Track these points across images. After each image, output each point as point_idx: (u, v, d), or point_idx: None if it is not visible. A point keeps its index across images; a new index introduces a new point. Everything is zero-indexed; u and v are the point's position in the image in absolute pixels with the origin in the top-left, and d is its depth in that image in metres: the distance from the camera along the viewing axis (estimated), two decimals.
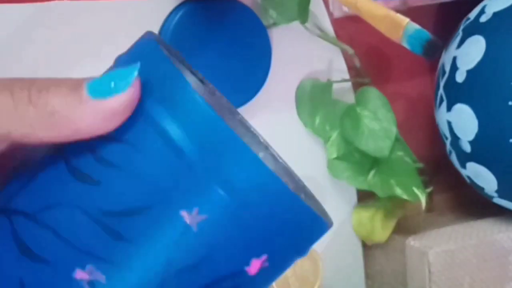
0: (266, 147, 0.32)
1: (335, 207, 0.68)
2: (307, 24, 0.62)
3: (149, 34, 0.28)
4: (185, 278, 0.24)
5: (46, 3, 0.55)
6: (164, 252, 0.24)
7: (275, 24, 0.62)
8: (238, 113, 0.32)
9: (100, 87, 0.25)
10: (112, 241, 0.24)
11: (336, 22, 0.65)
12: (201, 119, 0.24)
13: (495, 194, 0.61)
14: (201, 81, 0.31)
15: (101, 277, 0.24)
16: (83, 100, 0.24)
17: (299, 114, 0.65)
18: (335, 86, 0.64)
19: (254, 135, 0.31)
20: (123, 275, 0.24)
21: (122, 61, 0.28)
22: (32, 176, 0.26)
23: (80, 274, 0.24)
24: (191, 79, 0.29)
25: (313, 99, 0.64)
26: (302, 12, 0.60)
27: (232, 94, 0.61)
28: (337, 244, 0.68)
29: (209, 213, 0.24)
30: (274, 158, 0.31)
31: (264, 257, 0.25)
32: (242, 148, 0.24)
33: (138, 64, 0.25)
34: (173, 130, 0.24)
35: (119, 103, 0.24)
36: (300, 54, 0.65)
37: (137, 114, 0.25)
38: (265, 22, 0.61)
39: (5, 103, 0.25)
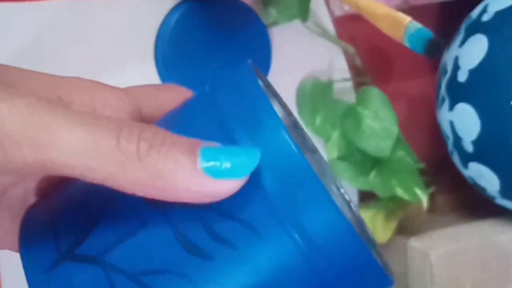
0: (342, 193, 0.32)
1: None
2: (307, 23, 0.61)
3: (250, 68, 0.27)
4: None
5: (45, 2, 0.55)
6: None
7: (275, 23, 0.62)
8: (318, 151, 0.31)
9: (216, 165, 0.23)
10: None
11: (337, 21, 0.65)
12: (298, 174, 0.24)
13: (498, 195, 0.61)
14: (287, 113, 0.30)
15: None
16: (195, 172, 0.23)
17: (299, 113, 0.65)
18: (336, 85, 0.64)
19: (331, 177, 0.31)
20: None
21: (220, 92, 0.27)
22: (131, 232, 0.24)
23: None
24: (280, 113, 0.29)
25: (313, 98, 0.64)
26: (303, 11, 0.60)
27: None
28: None
29: (282, 253, 0.24)
30: (349, 205, 0.32)
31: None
32: (326, 195, 0.23)
33: (260, 151, 0.23)
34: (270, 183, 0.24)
35: (232, 188, 0.23)
36: (301, 53, 0.65)
37: (249, 188, 0.24)
38: (265, 21, 0.61)
39: (110, 151, 0.23)
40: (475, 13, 0.61)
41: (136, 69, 0.59)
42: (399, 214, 0.66)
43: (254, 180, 0.23)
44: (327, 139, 0.65)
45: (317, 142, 0.66)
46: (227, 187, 0.23)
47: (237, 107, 0.25)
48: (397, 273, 0.65)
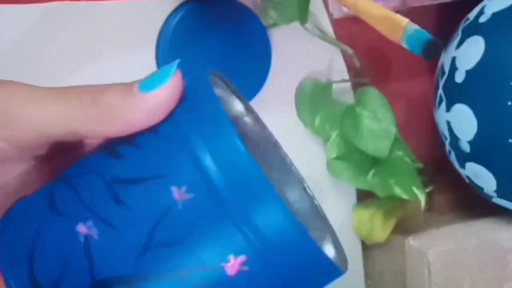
0: (304, 187, 0.34)
1: (335, 207, 0.68)
2: (307, 25, 0.62)
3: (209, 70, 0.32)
4: (163, 253, 0.27)
5: (46, 4, 0.55)
6: (151, 222, 0.27)
7: (275, 24, 0.62)
8: (281, 147, 0.35)
9: (147, 84, 0.29)
10: (113, 204, 0.28)
11: (336, 23, 0.66)
12: (235, 156, 0.27)
13: (494, 194, 0.61)
14: (247, 110, 0.34)
15: (95, 233, 0.28)
16: (133, 94, 0.29)
17: (299, 114, 0.65)
18: (334, 86, 0.64)
19: (292, 172, 0.34)
20: (112, 234, 0.27)
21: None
22: (82, 158, 0.31)
23: (81, 228, 0.28)
24: (236, 107, 0.34)
25: (313, 99, 0.64)
26: (302, 13, 0.60)
27: None
28: None
29: (194, 195, 0.27)
30: (310, 198, 0.34)
31: (242, 257, 0.27)
32: (270, 192, 0.26)
33: (178, 60, 0.30)
34: (206, 158, 0.27)
35: (161, 96, 0.29)
36: (300, 55, 0.65)
37: (171, 124, 0.29)
38: (265, 23, 0.62)
39: (75, 104, 0.30)
40: (472, 14, 0.61)
41: (138, 71, 0.59)
42: (397, 213, 0.66)
43: (206, 179, 0.27)
44: (326, 139, 0.65)
45: (316, 142, 0.66)
46: (157, 95, 0.29)
47: (193, 105, 0.29)
48: (395, 272, 0.66)
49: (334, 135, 0.65)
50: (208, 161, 0.27)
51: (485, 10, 0.59)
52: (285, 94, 0.65)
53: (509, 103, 0.56)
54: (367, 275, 0.70)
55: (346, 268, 0.31)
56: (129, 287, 0.27)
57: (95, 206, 0.28)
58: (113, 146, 0.29)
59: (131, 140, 0.29)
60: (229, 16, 0.60)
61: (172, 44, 0.58)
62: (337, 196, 0.68)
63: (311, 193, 0.34)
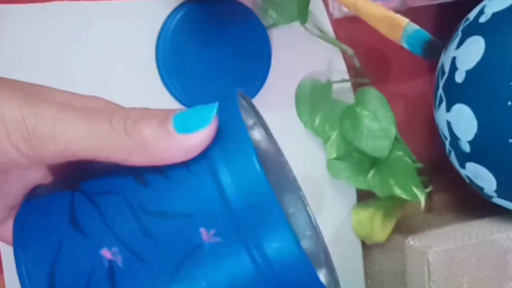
0: (314, 227, 0.36)
1: (335, 207, 0.68)
2: (307, 25, 0.62)
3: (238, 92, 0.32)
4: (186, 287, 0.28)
5: (46, 3, 0.55)
6: (177, 258, 0.28)
7: (275, 24, 0.62)
8: (297, 183, 0.36)
9: (184, 123, 0.29)
10: (141, 235, 0.28)
11: (336, 23, 0.66)
12: (255, 182, 0.28)
13: (494, 194, 0.61)
14: (269, 135, 0.36)
15: (119, 260, 0.28)
16: (170, 134, 0.29)
17: (299, 114, 0.65)
18: (334, 86, 0.64)
19: (307, 212, 0.36)
20: (137, 265, 0.28)
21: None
22: (103, 167, 0.31)
23: (105, 253, 0.28)
24: (258, 135, 0.35)
25: (313, 99, 0.64)
26: (302, 13, 0.61)
27: (232, 94, 0.61)
28: (337, 244, 0.68)
29: (234, 260, 0.28)
30: (318, 238, 0.36)
31: None
32: (283, 224, 0.27)
33: (217, 104, 0.29)
34: (226, 179, 0.28)
35: (200, 139, 0.28)
36: (300, 55, 0.65)
37: (204, 162, 0.29)
38: (265, 23, 0.62)
39: (106, 134, 0.29)
40: (472, 14, 0.61)
41: (138, 71, 0.59)
42: (397, 213, 0.66)
43: (224, 197, 0.28)
44: (326, 139, 0.65)
45: (316, 142, 0.66)
46: (196, 138, 0.28)
47: (224, 148, 0.29)
48: (395, 272, 0.66)
49: (334, 135, 0.65)
50: (238, 206, 0.28)
51: (485, 10, 0.59)
52: (285, 94, 0.65)
53: (509, 103, 0.56)
54: (367, 275, 0.70)
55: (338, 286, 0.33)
56: None
57: (121, 233, 0.28)
58: (142, 173, 0.29)
59: (161, 170, 0.29)
60: (229, 16, 0.60)
61: (172, 44, 0.58)
62: (337, 196, 0.68)
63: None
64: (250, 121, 0.35)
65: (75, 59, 0.57)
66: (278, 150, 0.36)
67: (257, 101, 0.62)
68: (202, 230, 0.28)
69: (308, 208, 0.36)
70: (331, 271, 0.34)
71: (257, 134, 0.35)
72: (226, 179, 0.28)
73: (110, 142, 0.29)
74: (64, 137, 0.29)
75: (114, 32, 0.58)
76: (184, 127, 0.28)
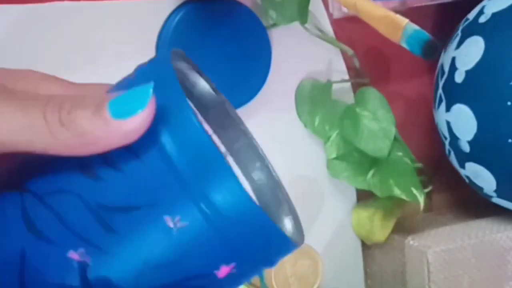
0: (263, 159, 0.36)
1: (335, 207, 0.68)
2: (307, 25, 0.62)
3: (171, 51, 0.31)
4: (159, 273, 0.28)
5: (46, 4, 0.56)
6: (145, 248, 0.27)
7: (275, 24, 0.62)
8: (243, 123, 0.36)
9: (120, 109, 0.27)
10: (104, 231, 0.28)
11: (336, 23, 0.66)
12: (193, 137, 0.27)
13: (494, 194, 0.61)
14: (214, 90, 0.35)
15: (88, 260, 0.28)
16: (107, 121, 0.27)
17: (299, 114, 0.65)
18: (334, 86, 0.65)
19: (254, 147, 0.36)
20: (107, 261, 0.28)
21: (141, 73, 0.31)
22: (46, 162, 0.29)
23: (72, 255, 0.28)
24: (201, 86, 0.34)
25: (312, 99, 0.65)
26: (302, 13, 0.61)
27: (232, 94, 0.61)
28: (337, 243, 0.68)
29: (189, 222, 0.27)
30: (269, 170, 0.36)
31: (232, 264, 0.28)
32: (226, 170, 0.27)
33: (152, 84, 0.27)
34: (169, 144, 0.28)
35: (137, 123, 0.27)
36: (300, 55, 0.65)
37: (151, 147, 0.28)
38: (265, 23, 0.62)
39: (40, 126, 0.28)
40: (472, 14, 0.61)
41: None
42: (397, 213, 0.66)
43: (165, 157, 0.27)
44: (326, 139, 0.65)
45: (316, 142, 0.66)
46: (134, 123, 0.27)
47: (168, 126, 0.28)
48: (395, 272, 0.66)
49: (334, 135, 0.65)
50: (186, 172, 0.27)
51: (485, 10, 0.59)
52: (285, 94, 0.65)
53: (509, 103, 0.56)
54: (367, 275, 0.70)
55: (302, 240, 0.32)
56: None
57: (84, 233, 0.28)
58: (90, 166, 0.28)
59: (109, 161, 0.28)
60: (229, 16, 0.60)
61: (172, 44, 0.58)
62: (337, 196, 0.68)
63: (270, 166, 0.36)
64: (190, 78, 0.35)
65: (75, 59, 0.57)
66: (216, 91, 0.36)
67: (257, 101, 0.62)
68: (167, 218, 0.27)
69: (254, 141, 0.36)
70: (293, 217, 0.35)
71: (199, 86, 0.35)
72: (175, 156, 0.27)
73: (46, 135, 0.28)
74: None
75: (114, 32, 0.58)
76: (120, 112, 0.27)
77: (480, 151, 0.59)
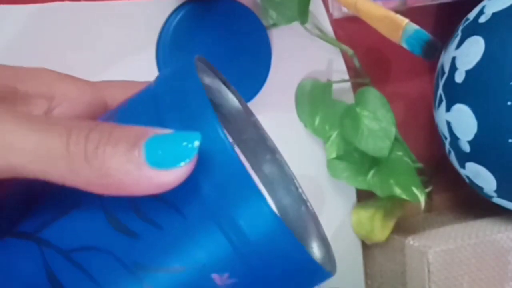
0: (300, 193, 0.33)
1: (335, 207, 0.68)
2: (307, 25, 0.62)
3: (192, 65, 0.28)
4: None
5: (46, 4, 0.56)
6: None
7: (275, 24, 0.62)
8: (278, 151, 0.32)
9: (159, 155, 0.23)
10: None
11: (336, 23, 0.66)
12: (236, 180, 0.24)
13: (494, 194, 0.61)
14: (238, 98, 0.32)
15: None
16: (140, 167, 0.23)
17: (299, 114, 0.65)
18: (334, 86, 0.65)
19: (290, 177, 0.33)
20: None
21: (161, 89, 0.27)
22: (65, 211, 0.26)
23: None
24: (229, 99, 0.31)
25: (312, 99, 0.65)
26: (302, 13, 0.61)
27: None
28: (337, 244, 0.68)
29: (238, 279, 0.25)
30: (305, 202, 0.32)
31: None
32: (256, 194, 0.24)
33: (199, 134, 0.24)
34: (212, 194, 0.24)
35: (176, 176, 0.23)
36: (300, 55, 0.65)
37: (195, 202, 0.25)
38: (265, 23, 0.62)
39: (60, 155, 0.24)
40: (472, 14, 0.61)
41: (138, 71, 0.59)
42: (397, 213, 0.66)
43: (192, 175, 0.24)
44: (326, 139, 0.65)
45: (316, 142, 0.66)
46: (172, 176, 0.23)
47: (176, 103, 0.25)
48: (395, 272, 0.66)
49: (334, 135, 0.65)
50: (246, 248, 0.25)
51: (485, 10, 0.59)
52: (285, 94, 0.65)
53: (509, 103, 0.56)
54: (367, 275, 0.70)
55: (334, 269, 0.29)
56: None
57: None
58: (123, 221, 0.25)
59: (142, 213, 0.25)
60: (229, 16, 0.60)
61: (172, 44, 0.58)
62: (337, 196, 0.68)
63: (301, 190, 0.33)
64: (230, 97, 0.31)
65: (75, 59, 0.57)
66: (238, 96, 0.33)
67: (257, 101, 0.62)
68: (214, 276, 0.25)
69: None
70: (323, 243, 0.31)
71: (225, 98, 0.32)
72: (223, 214, 0.24)
73: (65, 169, 0.24)
74: (7, 150, 0.24)
75: (114, 32, 0.58)
76: (158, 159, 0.23)
77: (480, 151, 0.59)
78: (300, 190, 0.33)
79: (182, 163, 0.23)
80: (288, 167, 0.33)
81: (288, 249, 0.25)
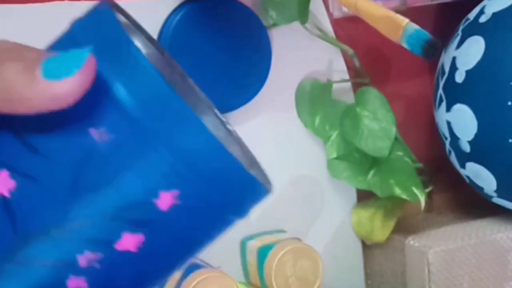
0: (215, 113, 0.33)
1: (335, 207, 0.68)
2: (307, 25, 0.62)
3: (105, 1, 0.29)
4: (90, 199, 0.26)
5: (46, 3, 0.56)
6: (73, 168, 0.26)
7: (275, 24, 0.62)
8: (188, 78, 0.33)
9: (54, 68, 0.25)
10: (28, 153, 0.26)
11: (336, 23, 0.66)
12: (148, 82, 0.26)
13: (494, 194, 0.61)
14: (153, 44, 0.32)
15: (12, 186, 0.26)
16: (36, 80, 0.25)
17: (299, 114, 0.65)
18: (334, 86, 0.65)
19: (202, 100, 0.33)
20: (33, 186, 0.26)
21: (78, 27, 0.28)
22: None
23: None
24: (141, 43, 0.31)
25: (313, 99, 0.65)
26: (302, 13, 0.61)
27: (232, 94, 0.61)
28: (337, 244, 0.68)
29: (116, 135, 0.26)
30: (222, 122, 0.33)
31: (173, 192, 0.26)
32: (188, 113, 0.25)
33: (91, 47, 0.25)
34: (124, 95, 0.26)
35: (70, 86, 0.25)
36: (300, 55, 0.65)
37: None
38: (265, 23, 0.62)
39: None
40: (472, 14, 0.61)
41: None
42: (397, 213, 0.66)
43: (121, 107, 0.26)
44: (326, 139, 0.65)
45: (316, 142, 0.66)
46: (66, 86, 0.25)
47: (100, 45, 0.26)
48: (395, 272, 0.66)
49: (334, 135, 0.65)
50: (124, 95, 0.25)
51: (485, 10, 0.59)
52: (285, 94, 0.65)
53: (509, 103, 0.56)
54: (367, 275, 0.70)
55: (270, 187, 0.30)
56: (59, 235, 0.26)
57: (8, 158, 0.26)
58: (28, 139, 0.27)
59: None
60: (229, 16, 0.60)
61: (172, 44, 0.58)
62: (337, 196, 0.68)
63: (223, 119, 0.34)
64: (140, 38, 0.32)
65: None
66: (182, 74, 0.34)
67: (257, 101, 0.62)
68: (92, 130, 0.25)
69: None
70: (255, 166, 0.32)
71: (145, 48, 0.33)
72: (106, 74, 0.26)
73: None
74: None
75: None
76: (53, 72, 0.25)
77: (480, 151, 0.59)
78: (215, 110, 0.34)
79: (75, 70, 0.25)
80: (203, 94, 0.34)
81: (224, 165, 0.26)
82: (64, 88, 0.25)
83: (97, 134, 0.25)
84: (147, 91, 0.26)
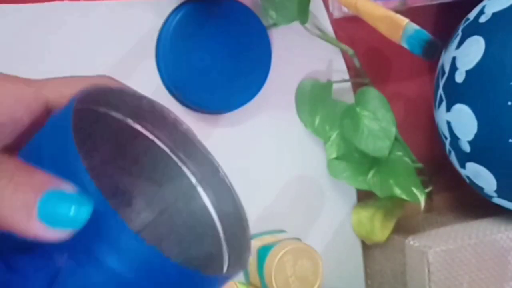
0: (224, 177, 0.33)
1: (335, 207, 0.68)
2: (307, 25, 0.62)
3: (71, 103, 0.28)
4: None
5: (46, 3, 0.56)
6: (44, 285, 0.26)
7: (275, 24, 0.62)
8: (200, 143, 0.33)
9: (50, 214, 0.25)
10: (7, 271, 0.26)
11: (336, 23, 0.66)
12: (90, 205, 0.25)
13: (495, 194, 0.61)
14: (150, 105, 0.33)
15: None
16: (31, 219, 0.25)
17: (299, 114, 0.65)
18: (334, 86, 0.65)
19: (209, 159, 0.33)
20: None
21: (51, 127, 0.28)
22: None
23: None
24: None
25: (313, 99, 0.65)
26: (302, 13, 0.61)
27: (232, 94, 0.61)
28: (337, 244, 0.68)
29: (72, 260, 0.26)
30: (234, 193, 0.33)
31: None
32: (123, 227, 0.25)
33: (92, 204, 0.25)
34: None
35: (61, 237, 0.25)
36: (300, 55, 0.65)
37: None
38: (265, 23, 0.62)
39: None
40: (472, 14, 0.61)
41: (138, 71, 0.59)
42: (397, 214, 0.66)
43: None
44: (326, 139, 0.65)
45: (316, 142, 0.66)
46: (57, 235, 0.25)
47: (52, 156, 0.27)
48: (395, 272, 0.66)
49: (334, 135, 0.65)
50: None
51: (485, 10, 0.59)
52: (285, 94, 0.65)
53: (509, 103, 0.56)
54: (367, 275, 0.70)
55: (245, 261, 0.30)
56: None
57: None
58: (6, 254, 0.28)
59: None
60: (229, 16, 0.60)
61: (172, 44, 0.58)
62: (337, 196, 0.68)
63: (223, 172, 0.34)
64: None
65: (75, 59, 0.57)
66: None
67: (257, 101, 0.62)
68: (56, 255, 0.26)
69: (226, 179, 0.34)
70: (232, 245, 0.33)
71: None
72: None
73: None
74: None
75: (114, 32, 0.58)
76: (49, 217, 0.25)
77: (480, 151, 0.59)
78: (224, 175, 0.34)
79: (71, 228, 0.25)
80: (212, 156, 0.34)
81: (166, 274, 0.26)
82: (56, 234, 0.25)
83: (60, 259, 0.26)
84: (92, 215, 0.25)
